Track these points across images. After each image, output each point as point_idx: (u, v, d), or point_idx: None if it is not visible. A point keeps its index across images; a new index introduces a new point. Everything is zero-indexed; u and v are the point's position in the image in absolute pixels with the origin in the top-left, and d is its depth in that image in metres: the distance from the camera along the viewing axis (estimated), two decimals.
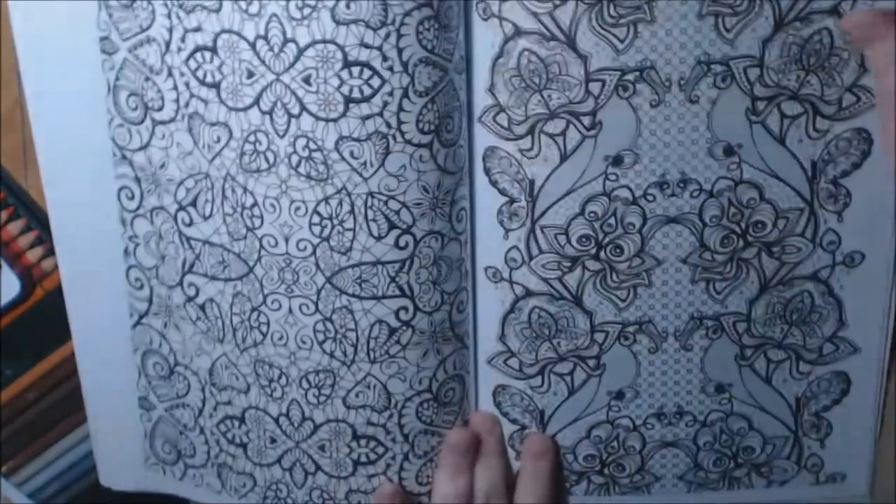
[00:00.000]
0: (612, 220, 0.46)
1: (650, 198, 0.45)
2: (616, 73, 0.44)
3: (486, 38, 0.44)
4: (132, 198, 0.49)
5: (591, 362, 0.48)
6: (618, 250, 0.46)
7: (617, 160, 0.45)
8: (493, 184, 0.46)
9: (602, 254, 0.46)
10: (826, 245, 0.46)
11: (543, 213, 0.46)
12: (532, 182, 0.46)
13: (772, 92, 0.44)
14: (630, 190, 0.45)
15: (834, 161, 0.44)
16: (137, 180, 0.49)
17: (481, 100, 0.45)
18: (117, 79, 0.47)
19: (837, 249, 0.46)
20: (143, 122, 0.47)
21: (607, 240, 0.46)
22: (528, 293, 0.47)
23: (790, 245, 0.46)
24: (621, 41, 0.43)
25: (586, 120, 0.44)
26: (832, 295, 0.47)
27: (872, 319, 0.47)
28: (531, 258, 0.47)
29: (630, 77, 0.44)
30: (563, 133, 0.45)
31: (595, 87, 0.44)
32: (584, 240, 0.46)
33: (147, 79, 0.46)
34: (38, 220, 0.57)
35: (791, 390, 0.48)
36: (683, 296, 0.47)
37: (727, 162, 0.45)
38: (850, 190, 0.45)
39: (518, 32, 0.44)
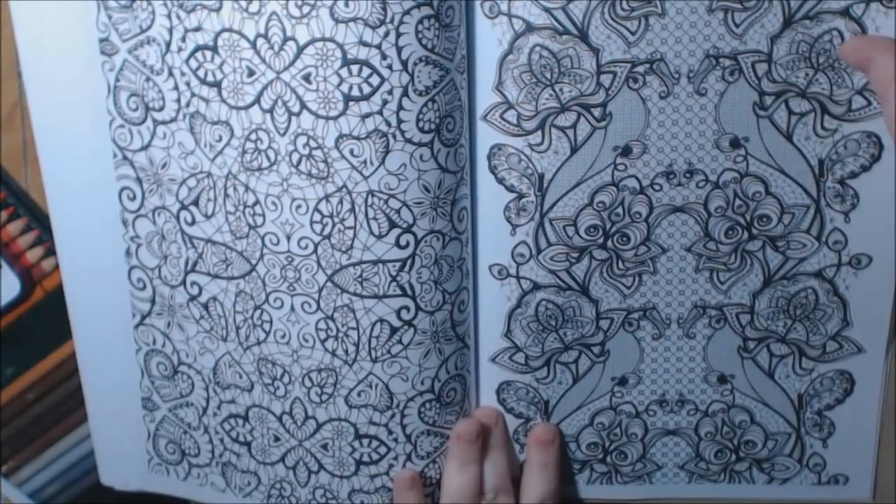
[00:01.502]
0: (619, 210, 0.46)
1: (657, 187, 0.46)
2: (626, 66, 0.44)
3: (491, 36, 0.44)
4: (133, 198, 0.49)
5: (596, 349, 0.49)
6: (624, 239, 0.47)
7: (626, 150, 0.45)
8: (500, 181, 0.46)
9: (609, 243, 0.47)
10: (832, 244, 0.46)
11: (552, 206, 0.46)
12: (541, 176, 0.46)
13: (779, 88, 0.44)
14: (637, 180, 0.46)
15: (842, 161, 0.44)
16: (139, 181, 0.49)
17: (486, 98, 0.45)
18: (117, 80, 0.47)
19: (844, 249, 0.46)
20: (143, 122, 0.47)
21: (614, 229, 0.46)
22: (536, 287, 0.48)
23: (795, 241, 0.46)
24: (633, 34, 0.44)
25: (597, 112, 0.45)
26: (837, 294, 0.47)
27: (879, 322, 0.47)
28: (539, 252, 0.47)
29: (640, 69, 0.44)
30: (574, 125, 0.45)
31: (606, 80, 0.44)
32: (591, 230, 0.47)
33: (147, 79, 0.46)
34: (38, 220, 0.57)
35: (794, 386, 0.48)
36: (687, 283, 0.47)
37: (733, 154, 0.45)
38: (858, 191, 0.45)
39: (529, 28, 0.44)
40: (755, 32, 0.43)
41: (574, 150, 0.45)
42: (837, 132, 0.44)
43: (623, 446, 0.50)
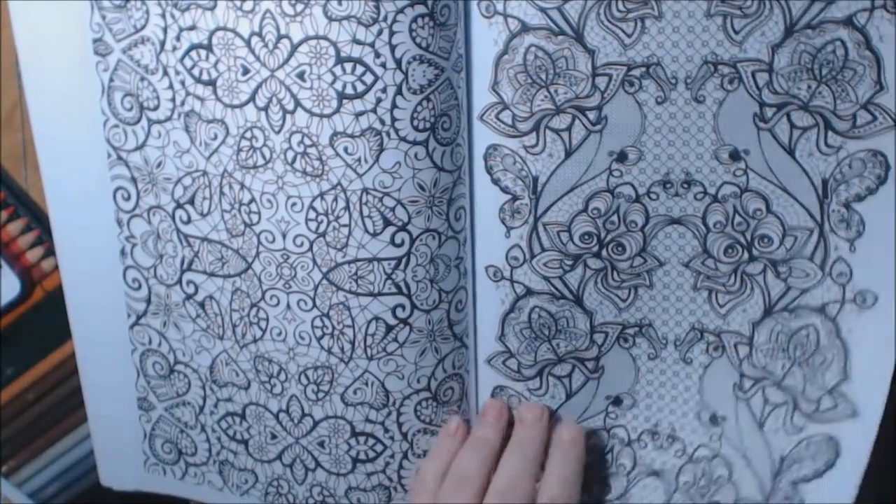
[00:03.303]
0: (614, 218, 0.45)
1: (653, 196, 0.45)
2: (622, 68, 0.43)
3: (488, 35, 0.44)
4: (128, 198, 0.49)
5: (590, 364, 0.48)
6: (619, 248, 0.46)
7: (621, 156, 0.44)
8: (495, 182, 0.46)
9: (604, 252, 0.46)
10: (836, 276, 0.43)
11: (546, 210, 0.46)
12: (536, 179, 0.45)
13: (781, 99, 0.42)
14: (633, 187, 0.45)
15: (847, 182, 0.42)
16: (133, 180, 0.49)
17: (483, 98, 0.45)
18: (111, 80, 0.47)
19: (848, 283, 0.43)
20: (138, 122, 0.47)
21: (609, 237, 0.45)
22: (529, 292, 0.47)
23: (798, 268, 0.44)
24: (629, 36, 0.43)
25: (592, 115, 0.44)
26: (839, 337, 0.44)
27: (877, 383, 0.42)
28: (533, 256, 0.46)
29: (636, 72, 0.43)
30: (569, 128, 0.44)
31: (601, 82, 0.43)
32: (586, 237, 0.46)
33: (142, 79, 0.46)
34: (38, 220, 0.57)
35: (780, 445, 0.45)
36: (685, 302, 0.46)
37: (733, 167, 0.43)
38: (864, 218, 0.42)
39: (525, 28, 0.43)
40: (755, 40, 0.42)
41: (568, 153, 0.45)
42: (842, 150, 0.42)
43: (609, 478, 0.49)
